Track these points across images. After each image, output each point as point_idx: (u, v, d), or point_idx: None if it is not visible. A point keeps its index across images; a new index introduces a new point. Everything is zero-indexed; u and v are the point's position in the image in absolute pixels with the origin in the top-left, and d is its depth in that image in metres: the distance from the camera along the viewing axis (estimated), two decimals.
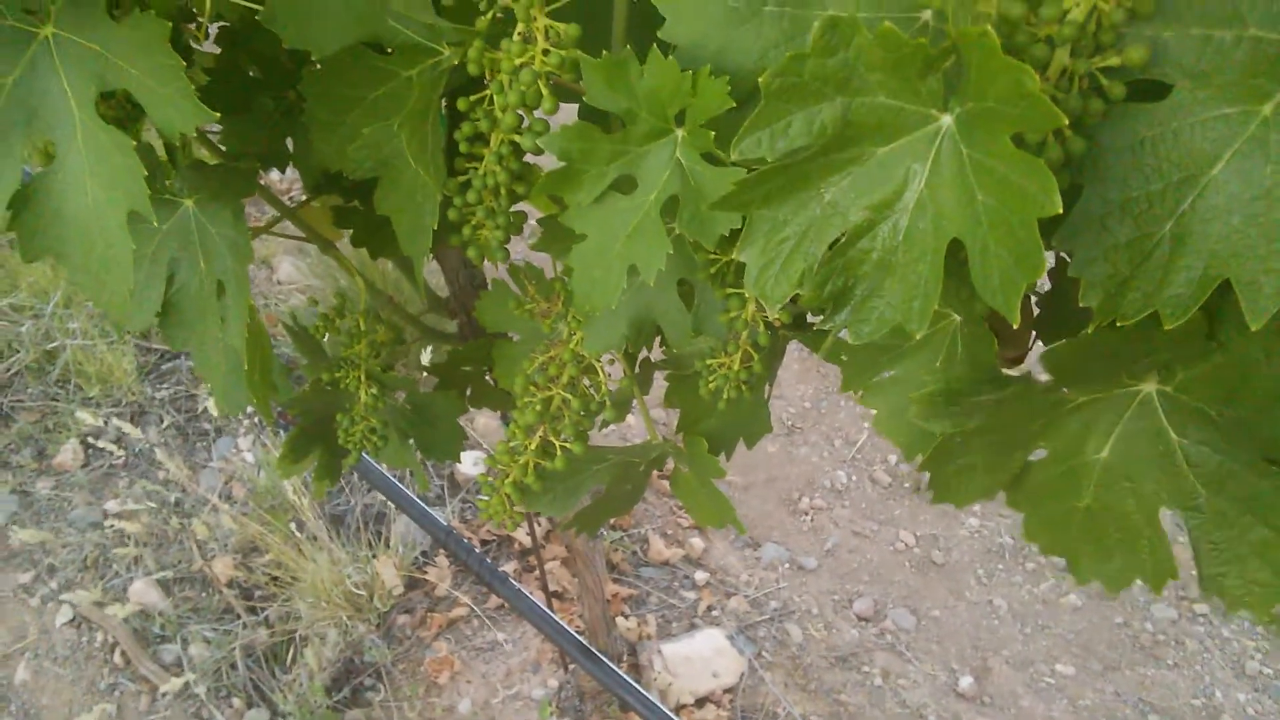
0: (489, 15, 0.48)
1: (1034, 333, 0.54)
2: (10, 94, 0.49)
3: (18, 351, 2.33)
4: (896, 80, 0.37)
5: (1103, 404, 0.44)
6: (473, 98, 0.49)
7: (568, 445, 0.68)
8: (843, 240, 0.40)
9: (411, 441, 0.88)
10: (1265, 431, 0.40)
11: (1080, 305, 0.38)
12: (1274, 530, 0.42)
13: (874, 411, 0.56)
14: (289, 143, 0.74)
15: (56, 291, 2.40)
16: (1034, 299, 0.54)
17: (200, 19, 0.52)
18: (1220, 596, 0.44)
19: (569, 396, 0.66)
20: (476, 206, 0.51)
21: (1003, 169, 0.35)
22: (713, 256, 0.52)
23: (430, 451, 0.86)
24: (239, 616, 1.87)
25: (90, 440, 2.17)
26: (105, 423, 2.19)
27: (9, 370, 2.30)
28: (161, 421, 2.22)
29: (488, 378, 0.97)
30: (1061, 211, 0.33)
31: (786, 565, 2.11)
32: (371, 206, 0.83)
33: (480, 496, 2.17)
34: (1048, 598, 2.06)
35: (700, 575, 2.05)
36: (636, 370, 0.77)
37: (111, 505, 2.04)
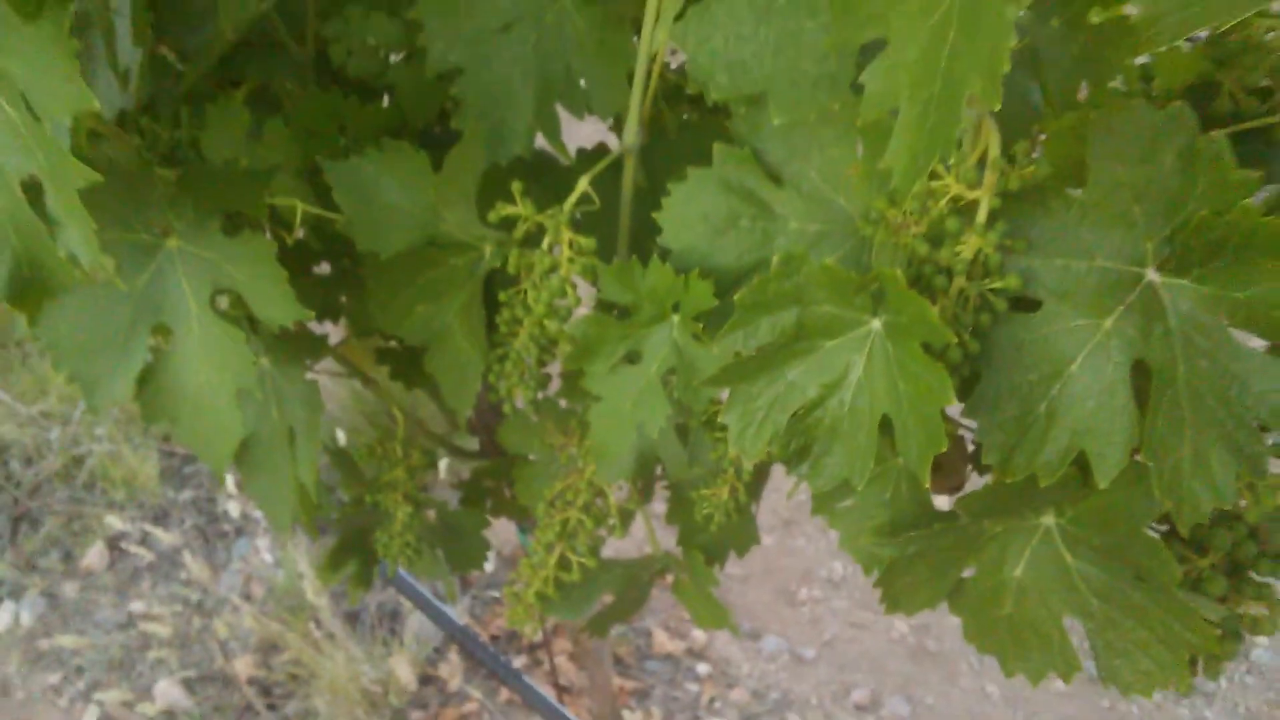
0: (524, 228, 0.60)
1: (970, 465, 0.65)
2: (142, 292, 0.61)
3: (46, 457, 2.44)
4: (837, 296, 0.50)
5: (1014, 533, 0.56)
6: (511, 291, 0.62)
7: (582, 560, 0.79)
8: (802, 411, 0.52)
9: (440, 553, 0.99)
10: (1132, 555, 0.51)
11: (984, 463, 0.50)
12: (1150, 631, 0.53)
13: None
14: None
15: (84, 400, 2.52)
16: (969, 438, 0.66)
17: (289, 231, 0.65)
18: (1115, 684, 0.55)
19: (584, 518, 0.78)
20: (512, 372, 0.63)
21: (915, 367, 0.47)
22: (702, 409, 0.64)
23: (458, 564, 0.97)
24: (259, 713, 1.94)
25: (116, 543, 2.27)
26: (130, 525, 2.29)
27: (37, 475, 2.41)
28: (183, 523, 2.32)
29: (506, 493, 1.08)
30: (955, 402, 0.45)
31: (786, 656, 2.18)
32: (407, 346, 0.96)
33: (491, 593, 2.26)
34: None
35: (702, 667, 2.13)
36: (640, 488, 0.88)
37: (137, 606, 2.13)
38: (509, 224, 0.62)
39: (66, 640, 2.04)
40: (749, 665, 2.15)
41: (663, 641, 2.15)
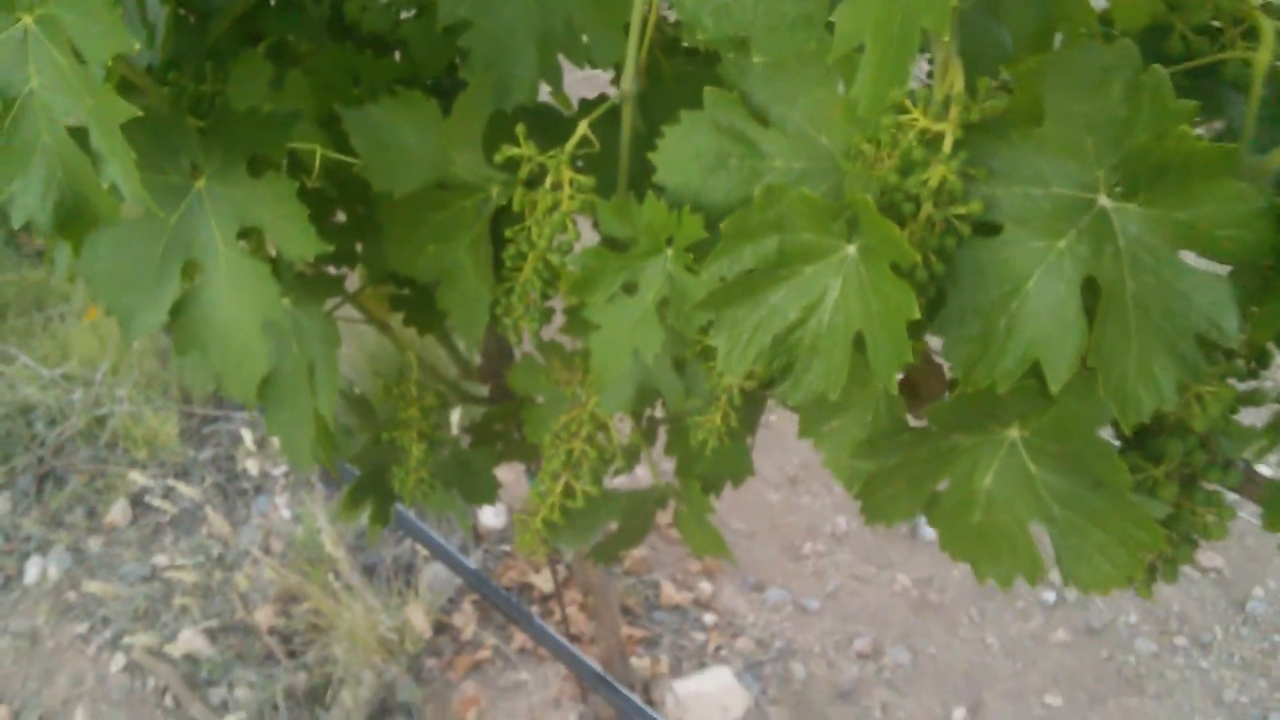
0: (527, 169, 0.65)
1: (947, 390, 0.70)
2: (173, 230, 0.66)
3: (69, 418, 2.50)
4: (815, 224, 0.54)
5: (983, 446, 0.60)
6: (516, 228, 0.66)
7: (586, 488, 0.84)
8: (783, 331, 0.57)
9: (454, 490, 1.04)
10: (1088, 463, 0.56)
11: (950, 376, 0.54)
12: (1107, 534, 0.58)
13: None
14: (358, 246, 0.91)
15: (105, 361, 2.58)
16: (947, 365, 0.70)
17: (309, 174, 0.69)
18: (1077, 584, 0.60)
19: (587, 448, 0.83)
20: (518, 305, 0.68)
21: (885, 287, 0.51)
22: (697, 339, 0.69)
23: (471, 497, 1.02)
24: (280, 661, 2.01)
25: (139, 499, 2.34)
26: (152, 482, 2.36)
27: (61, 435, 2.48)
28: (204, 480, 2.39)
29: (515, 435, 1.13)
30: (919, 317, 0.49)
31: (790, 607, 2.24)
32: (420, 293, 1.00)
33: (502, 547, 2.32)
34: (1037, 634, 2.19)
35: (709, 617, 2.19)
36: (643, 426, 0.93)
37: (160, 560, 2.20)
38: (513, 166, 0.66)
39: (93, 588, 2.11)
40: (754, 616, 2.21)
41: (670, 593, 2.21)
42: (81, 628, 2.09)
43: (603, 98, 0.80)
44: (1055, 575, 2.57)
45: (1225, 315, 0.49)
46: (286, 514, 2.30)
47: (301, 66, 0.76)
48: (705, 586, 2.25)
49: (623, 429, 0.88)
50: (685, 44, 0.80)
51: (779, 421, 2.65)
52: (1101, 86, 0.48)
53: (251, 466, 2.39)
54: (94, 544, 2.27)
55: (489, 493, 1.03)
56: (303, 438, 0.82)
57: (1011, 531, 0.62)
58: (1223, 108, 0.56)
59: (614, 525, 0.94)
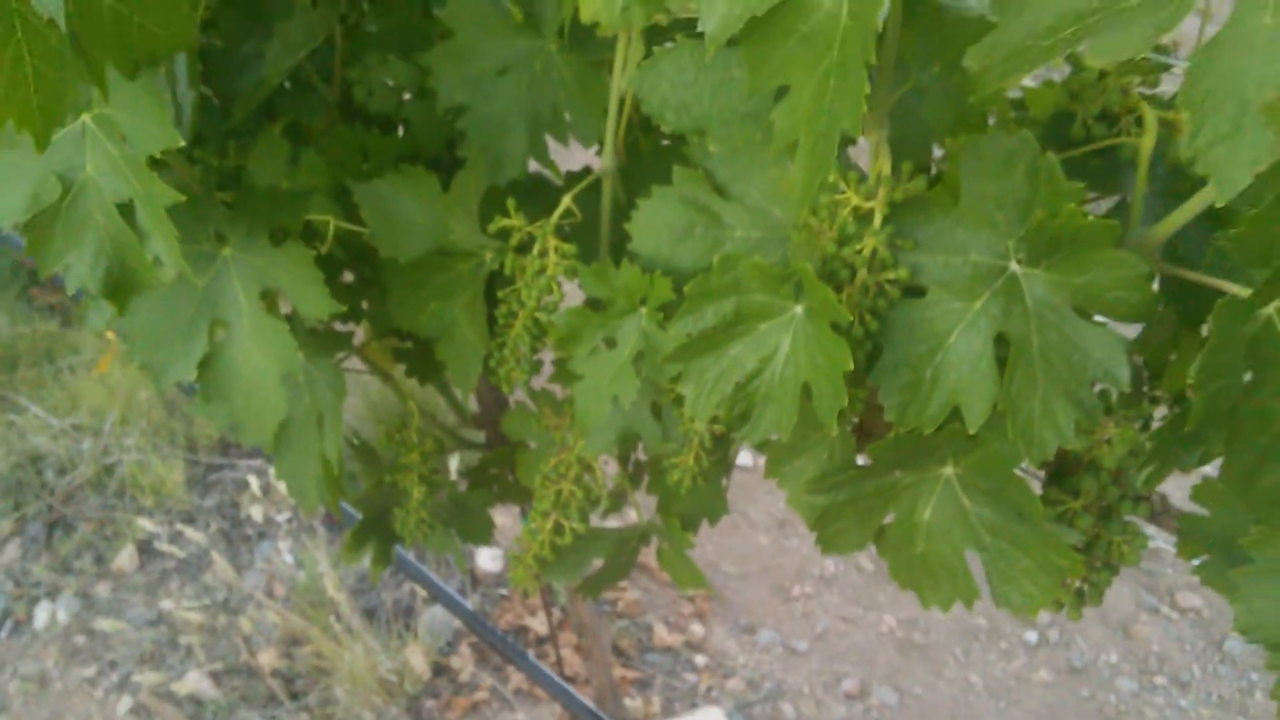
0: (518, 237, 0.73)
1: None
2: (202, 293, 0.74)
3: (78, 466, 2.57)
4: (767, 288, 0.62)
5: (922, 483, 0.68)
6: (508, 289, 0.74)
7: (575, 525, 0.91)
8: (742, 380, 0.64)
9: (453, 531, 1.11)
10: (1011, 496, 0.63)
11: (885, 419, 0.62)
12: (1031, 560, 0.65)
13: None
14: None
15: (113, 411, 2.65)
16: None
17: (322, 241, 0.78)
18: (1007, 607, 0.67)
19: (574, 489, 0.90)
20: (509, 358, 0.76)
21: (826, 342, 0.59)
22: (669, 388, 0.77)
23: (468, 537, 1.09)
24: (283, 703, 2.06)
25: (146, 545, 2.40)
26: (159, 529, 2.42)
27: (70, 484, 2.54)
28: (209, 527, 2.45)
29: (510, 478, 1.20)
30: (852, 369, 0.57)
31: (780, 648, 2.29)
32: (421, 346, 1.08)
33: (499, 590, 2.38)
34: (1020, 674, 2.24)
35: (700, 659, 2.24)
36: (629, 469, 1.00)
37: (166, 604, 2.26)
38: (506, 234, 0.75)
39: (102, 629, 2.16)
40: (744, 657, 2.26)
41: (662, 635, 2.27)
42: (89, 671, 2.14)
43: (587, 170, 0.89)
44: (1044, 615, 2.62)
45: (1118, 366, 0.56)
46: (289, 559, 2.36)
47: (315, 144, 0.85)
48: (697, 629, 2.31)
49: (609, 471, 0.95)
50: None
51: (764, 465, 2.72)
52: (1007, 170, 0.57)
53: (256, 513, 2.45)
54: (102, 589, 2.32)
55: (485, 533, 1.10)
56: (310, 481, 0.90)
57: (950, 560, 0.69)
58: (1120, 184, 0.64)
59: (601, 561, 1.01)
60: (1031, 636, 2.30)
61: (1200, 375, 0.53)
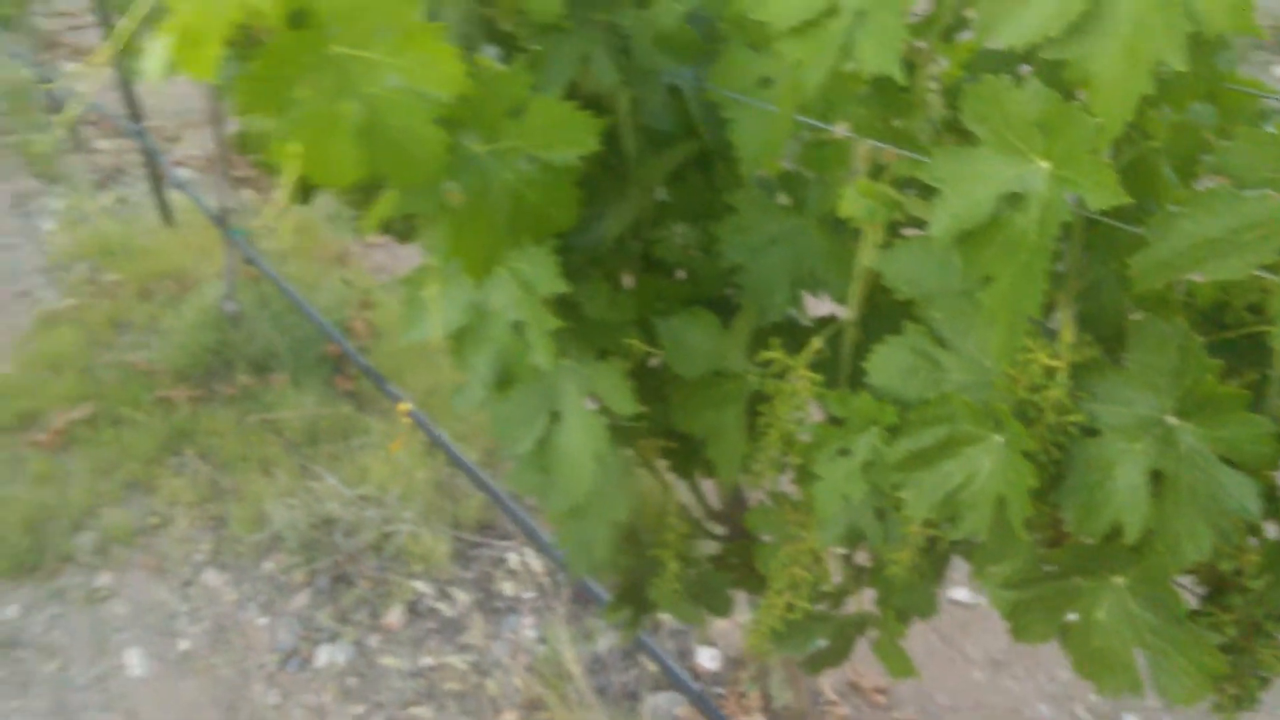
0: (778, 367, 0.96)
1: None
2: (545, 390, 1.01)
3: (362, 531, 2.98)
4: (973, 420, 0.81)
5: (1098, 588, 0.83)
6: (766, 405, 0.97)
7: (804, 606, 1.10)
8: (951, 491, 0.83)
9: (699, 605, 1.32)
10: (1168, 604, 0.78)
11: (1065, 530, 0.79)
12: (1188, 660, 0.79)
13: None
14: None
15: (396, 488, 3.06)
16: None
17: (630, 360, 1.03)
18: (1168, 698, 0.81)
19: (806, 574, 1.10)
20: (764, 460, 0.98)
21: (1018, 465, 0.77)
22: (891, 494, 0.96)
23: (711, 610, 1.31)
24: None
25: (413, 607, 2.75)
26: (425, 593, 2.77)
27: (355, 545, 2.95)
28: (467, 597, 2.77)
29: (746, 568, 1.41)
30: (1038, 487, 0.75)
31: None
32: (685, 447, 1.32)
33: (716, 689, 2.56)
34: None
35: None
36: (851, 565, 1.19)
37: (426, 660, 2.58)
38: (768, 362, 0.98)
39: (372, 674, 2.50)
40: None
41: None
42: (360, 709, 2.47)
43: (833, 317, 1.11)
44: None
45: (1250, 501, 0.71)
46: (532, 634, 2.64)
47: (627, 288, 1.12)
48: None
49: (834, 564, 1.15)
50: None
51: (983, 604, 2.77)
52: (1164, 347, 0.74)
53: (507, 588, 2.76)
54: (374, 640, 2.68)
55: (725, 608, 1.31)
56: (597, 544, 1.14)
57: (1121, 655, 0.84)
58: (1264, 361, 0.80)
59: (824, 642, 1.19)
60: None
61: None
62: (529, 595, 2.78)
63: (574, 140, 0.77)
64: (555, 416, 1.01)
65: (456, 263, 0.78)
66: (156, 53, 0.59)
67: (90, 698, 2.65)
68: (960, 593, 2.85)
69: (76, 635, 2.82)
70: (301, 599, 2.85)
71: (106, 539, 3.06)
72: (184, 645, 2.76)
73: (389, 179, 0.67)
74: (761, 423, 0.99)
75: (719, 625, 2.71)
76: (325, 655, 2.66)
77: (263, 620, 2.80)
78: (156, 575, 2.96)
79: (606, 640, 2.53)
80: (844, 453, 0.94)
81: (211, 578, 2.93)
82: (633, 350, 1.04)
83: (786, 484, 1.12)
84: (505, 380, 0.89)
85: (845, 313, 0.99)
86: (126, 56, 2.99)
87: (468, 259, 0.79)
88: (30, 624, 2.87)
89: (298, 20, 0.60)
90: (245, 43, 0.70)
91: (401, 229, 2.04)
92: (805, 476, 0.99)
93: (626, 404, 0.96)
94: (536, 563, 2.83)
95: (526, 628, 2.67)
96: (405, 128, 0.65)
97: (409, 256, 4.42)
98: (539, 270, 0.84)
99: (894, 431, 0.89)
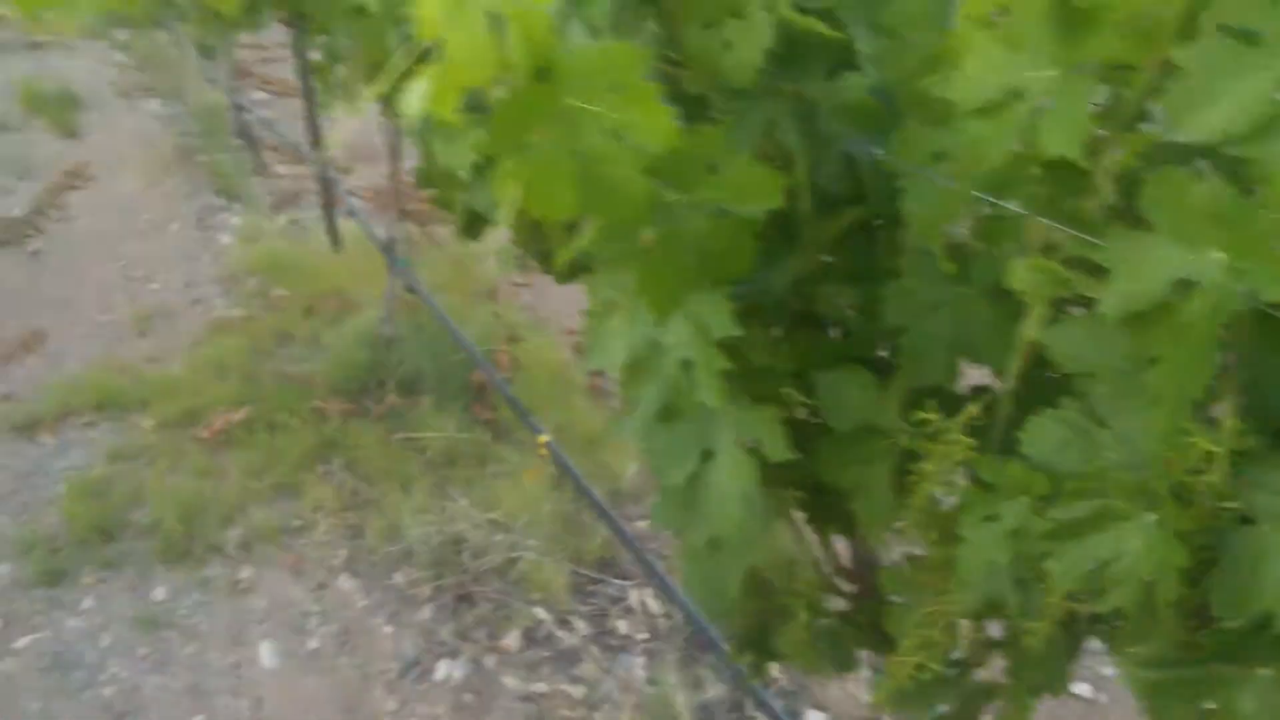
0: (931, 428, 0.99)
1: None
2: (699, 431, 1.06)
3: (488, 554, 3.08)
4: (1127, 497, 0.83)
5: (1244, 679, 0.83)
6: (917, 464, 1.00)
7: (934, 668, 1.12)
8: (1098, 566, 0.85)
9: (824, 658, 1.35)
10: None
11: (1213, 615, 0.79)
12: None
13: None
14: None
15: (524, 516, 3.16)
16: None
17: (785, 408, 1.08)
18: None
19: (940, 637, 1.11)
20: (913, 517, 1.01)
21: (1169, 546, 0.78)
22: (1037, 564, 0.97)
23: (837, 664, 1.33)
24: None
25: (530, 633, 2.82)
26: (543, 621, 2.84)
27: (480, 567, 3.05)
28: (581, 630, 2.83)
29: (871, 628, 1.42)
30: (1187, 569, 0.76)
31: None
32: (824, 499, 1.35)
33: None
34: None
35: None
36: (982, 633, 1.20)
37: (539, 687, 2.64)
38: (921, 423, 1.01)
39: (487, 693, 2.57)
40: None
41: None
42: None
43: (987, 387, 1.14)
44: None
45: None
46: (642, 674, 2.67)
47: (786, 344, 1.17)
48: None
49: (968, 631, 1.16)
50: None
51: (1103, 701, 2.67)
52: None
53: (622, 626, 2.81)
54: (490, 660, 2.76)
55: (850, 664, 1.33)
56: (731, 584, 1.18)
57: None
58: None
59: (947, 708, 1.20)
60: None
61: None
62: (642, 636, 2.82)
63: (762, 196, 0.83)
64: (707, 454, 1.06)
65: (643, 300, 0.85)
66: (416, 92, 0.68)
67: (223, 682, 2.81)
68: (1082, 688, 2.76)
69: (216, 623, 3.00)
70: (426, 612, 2.96)
71: (252, 535, 3.25)
72: (313, 644, 2.90)
73: (597, 219, 0.75)
74: (911, 481, 1.02)
75: (832, 691, 2.69)
76: (444, 669, 2.76)
77: (388, 629, 2.93)
78: (294, 575, 3.13)
79: (715, 690, 2.54)
80: (992, 518, 0.96)
81: (344, 583, 3.08)
82: (786, 399, 1.09)
83: (915, 547, 1.14)
84: (668, 414, 0.95)
85: (1000, 383, 1.02)
86: (322, 92, 3.19)
87: (654, 297, 0.85)
88: (176, 607, 3.06)
89: (542, 75, 0.68)
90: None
91: (564, 270, 2.15)
92: (949, 538, 1.01)
93: (780, 449, 1.01)
94: (654, 604, 2.87)
95: (638, 667, 2.71)
96: (617, 174, 0.72)
97: (555, 297, 4.58)
98: (713, 314, 0.90)
99: (1045, 501, 0.91)
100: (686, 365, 0.94)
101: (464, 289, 4.50)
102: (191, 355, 4.18)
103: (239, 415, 3.65)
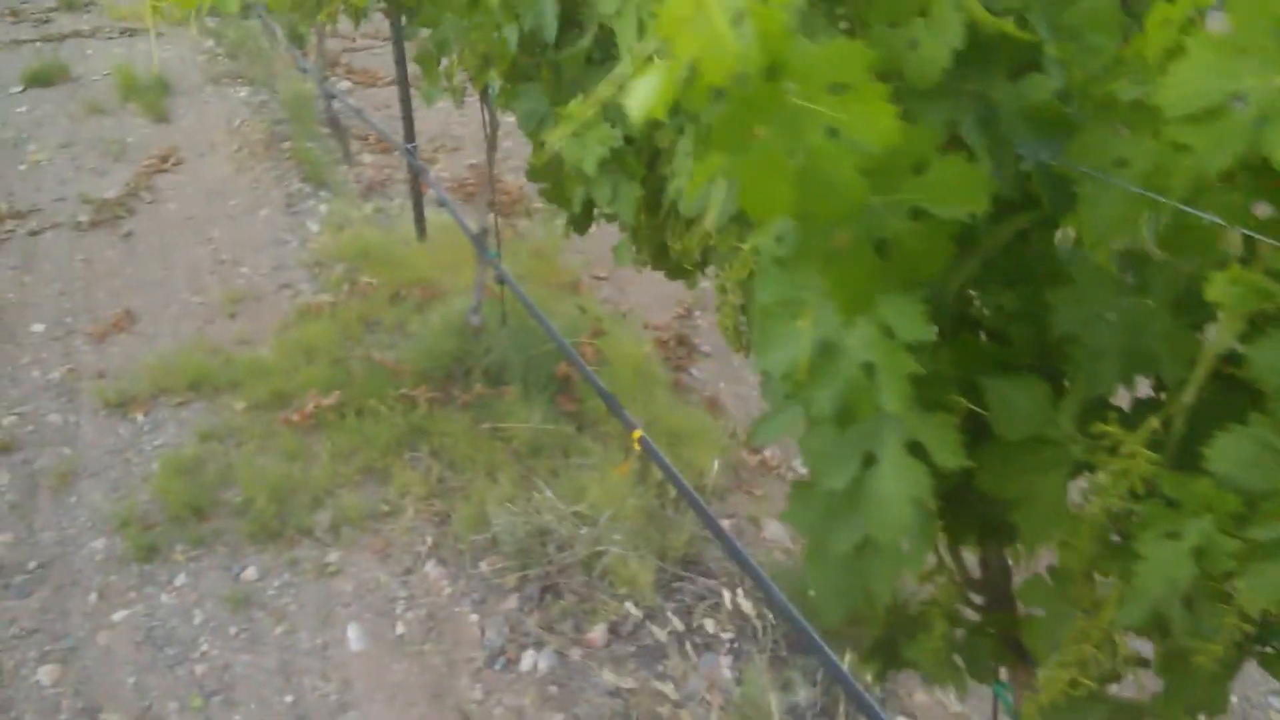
0: (1110, 441, 0.97)
1: None
2: (864, 434, 1.05)
3: (573, 547, 3.09)
4: None
5: None
6: (1091, 477, 0.98)
7: (1088, 684, 1.10)
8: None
9: (960, 667, 1.33)
10: None
11: None
12: None
13: None
14: None
15: (608, 510, 3.17)
16: None
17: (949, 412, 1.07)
18: None
19: (1097, 653, 1.09)
20: (1084, 533, 0.99)
21: None
22: (1218, 582, 0.95)
23: (974, 675, 1.31)
24: None
25: (615, 627, 2.83)
26: (628, 616, 2.84)
27: (565, 559, 3.07)
28: (667, 626, 2.83)
29: (1003, 640, 1.40)
30: None
31: None
32: (962, 506, 1.33)
33: None
34: None
35: None
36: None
37: (626, 682, 2.65)
38: (1097, 435, 0.99)
39: (571, 686, 2.59)
40: None
41: None
42: (558, 717, 2.56)
43: (1153, 400, 1.11)
44: None
45: None
46: (728, 674, 2.67)
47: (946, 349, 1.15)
48: None
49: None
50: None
51: None
52: None
53: (708, 625, 2.80)
54: (575, 653, 2.77)
55: (987, 675, 1.31)
56: (842, 596, 1.16)
57: None
58: None
59: None
60: None
61: None
62: (728, 635, 2.81)
63: (966, 199, 0.82)
64: (869, 459, 1.05)
65: (834, 301, 0.85)
66: (642, 90, 0.68)
67: (311, 663, 2.86)
68: None
69: (305, 604, 3.05)
70: (511, 602, 2.98)
71: (341, 519, 3.30)
72: (400, 629, 2.93)
73: (809, 216, 0.74)
74: (1084, 493, 1.00)
75: (918, 699, 2.66)
76: (530, 660, 2.77)
77: (474, 617, 2.95)
78: (382, 559, 3.17)
79: (806, 692, 2.53)
80: (1173, 535, 0.94)
81: (431, 569, 3.11)
82: (953, 405, 1.07)
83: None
84: (845, 417, 0.94)
85: (1181, 397, 1.00)
86: (425, 83, 3.22)
87: (845, 298, 0.85)
88: (266, 587, 3.12)
89: (771, 73, 0.68)
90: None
91: (672, 265, 2.15)
92: (1125, 553, 0.99)
93: (953, 456, 1.00)
94: (745, 604, 2.86)
95: (724, 667, 2.70)
96: (836, 174, 0.72)
97: (635, 292, 4.59)
98: (904, 317, 0.89)
99: (1236, 520, 0.89)
100: (867, 368, 0.93)
101: (547, 281, 4.53)
102: (280, 339, 4.26)
103: (329, 400, 3.71)
